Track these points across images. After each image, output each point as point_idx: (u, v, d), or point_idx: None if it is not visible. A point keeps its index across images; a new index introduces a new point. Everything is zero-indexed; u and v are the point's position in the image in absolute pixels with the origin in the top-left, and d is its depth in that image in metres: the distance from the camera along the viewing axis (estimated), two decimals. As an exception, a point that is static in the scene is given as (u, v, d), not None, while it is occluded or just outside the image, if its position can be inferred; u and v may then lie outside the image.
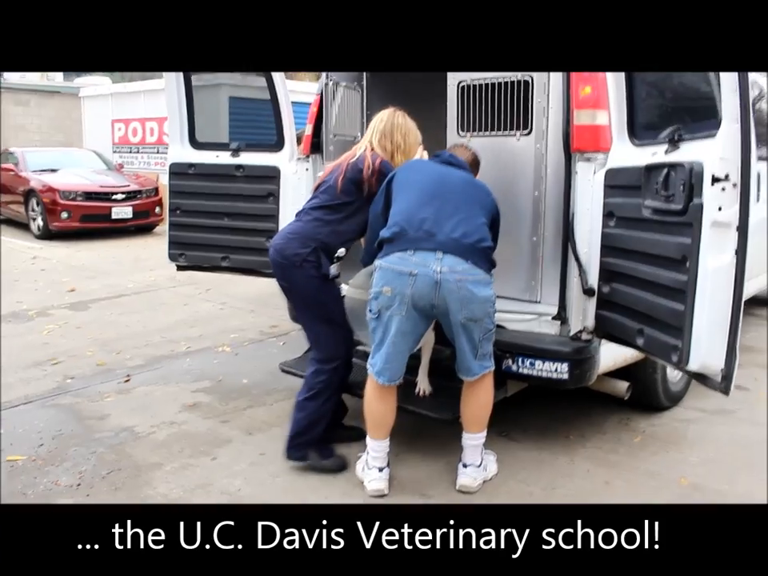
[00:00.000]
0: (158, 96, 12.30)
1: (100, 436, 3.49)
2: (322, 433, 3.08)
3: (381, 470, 2.87)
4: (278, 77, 3.98)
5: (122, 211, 10.20)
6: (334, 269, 3.07)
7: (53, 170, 10.54)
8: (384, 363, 2.75)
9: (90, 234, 10.27)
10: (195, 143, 4.37)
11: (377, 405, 2.85)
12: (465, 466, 2.90)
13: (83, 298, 6.55)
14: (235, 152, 4.24)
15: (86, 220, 10.02)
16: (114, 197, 10.18)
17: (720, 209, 2.13)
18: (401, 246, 2.66)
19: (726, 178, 2.11)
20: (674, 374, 3.73)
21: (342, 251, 3.09)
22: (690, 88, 2.72)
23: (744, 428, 3.58)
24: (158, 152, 12.58)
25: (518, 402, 3.39)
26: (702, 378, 2.30)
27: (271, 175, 4.11)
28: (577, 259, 2.95)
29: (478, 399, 2.86)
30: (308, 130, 4.17)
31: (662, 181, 2.35)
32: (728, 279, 2.14)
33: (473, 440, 2.89)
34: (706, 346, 2.20)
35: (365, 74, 4.19)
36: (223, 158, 4.26)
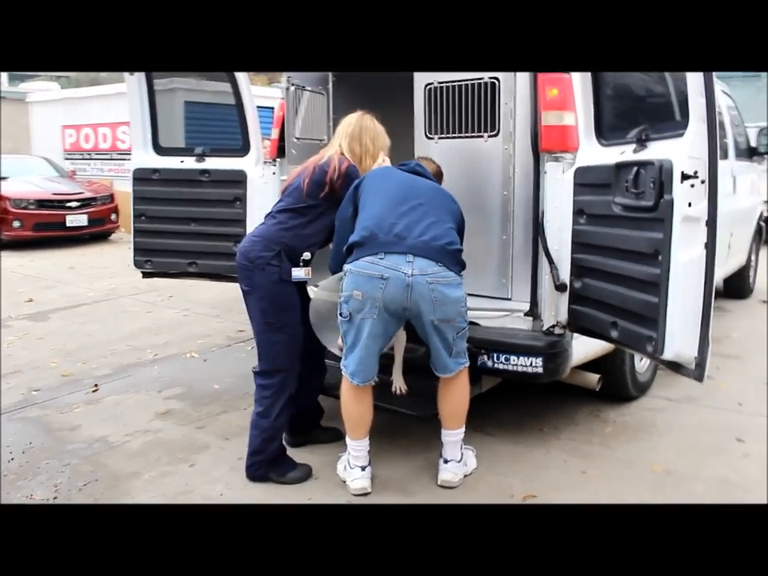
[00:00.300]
0: (110, 101, 12.11)
1: (72, 447, 3.43)
2: (278, 449, 3.03)
3: (363, 468, 2.89)
4: (242, 80, 3.97)
5: (77, 219, 9.99)
6: (301, 273, 3.03)
7: (2, 178, 10.25)
8: (357, 365, 2.78)
9: (43, 242, 10.03)
10: (159, 148, 4.33)
11: (354, 405, 2.88)
12: (446, 461, 2.94)
13: (42, 308, 6.40)
14: (200, 157, 4.22)
15: (40, 229, 9.79)
16: (68, 204, 9.98)
17: (690, 204, 2.22)
18: (371, 251, 2.68)
19: (695, 174, 2.19)
20: (641, 365, 3.85)
21: (307, 255, 3.05)
22: (655, 90, 2.81)
23: (709, 414, 3.71)
24: (111, 158, 12.34)
25: (491, 397, 3.45)
26: (675, 366, 2.39)
27: (238, 179, 4.10)
28: (548, 256, 3.02)
29: (455, 395, 2.90)
30: (274, 134, 4.17)
31: (631, 178, 2.43)
32: (699, 271, 2.23)
33: (452, 436, 2.94)
34: (680, 336, 2.28)
35: (330, 76, 4.20)
36: (188, 163, 4.22)
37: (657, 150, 2.41)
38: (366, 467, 2.91)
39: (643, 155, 2.47)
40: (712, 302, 2.25)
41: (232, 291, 7.06)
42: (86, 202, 10.17)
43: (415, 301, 2.65)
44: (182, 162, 4.23)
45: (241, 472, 3.05)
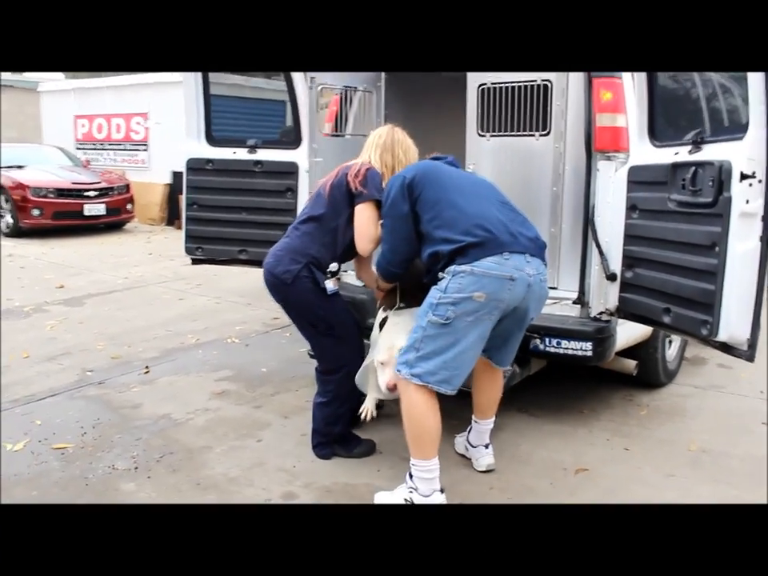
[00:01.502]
0: (123, 92, 12.26)
1: (140, 423, 3.62)
2: (344, 429, 3.20)
3: (442, 491, 2.69)
4: (297, 77, 4.17)
5: (95, 208, 10.13)
6: (330, 284, 3.01)
7: (19, 167, 10.37)
8: (455, 371, 2.57)
9: (60, 231, 10.16)
10: (211, 139, 4.51)
11: (433, 418, 2.62)
12: (486, 446, 3.07)
13: (74, 294, 6.56)
14: (252, 148, 4.41)
15: (59, 217, 9.92)
16: (87, 194, 10.10)
17: (747, 202, 2.45)
18: (494, 250, 2.55)
19: (753, 174, 2.42)
20: (670, 353, 4.09)
21: (334, 266, 3.01)
22: (707, 94, 3.04)
23: (734, 400, 3.95)
24: (124, 149, 12.48)
25: (531, 383, 3.66)
26: (727, 348, 2.62)
27: (290, 171, 4.30)
28: (599, 248, 3.24)
29: (499, 385, 3.02)
30: (327, 128, 4.37)
31: (689, 177, 2.65)
32: (753, 262, 2.46)
33: (491, 423, 3.07)
34: (734, 320, 2.51)
35: (383, 75, 4.40)
36: (240, 154, 4.42)
37: (713, 152, 2.63)
38: (443, 490, 2.69)
39: (699, 156, 2.69)
40: (764, 289, 2.48)
41: (260, 281, 7.30)
42: (103, 192, 10.30)
43: (528, 300, 2.64)
44: (234, 153, 4.43)
45: (308, 446, 3.25)
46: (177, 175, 11.51)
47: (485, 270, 2.53)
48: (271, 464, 3.14)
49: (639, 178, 3.02)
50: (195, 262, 4.69)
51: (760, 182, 2.42)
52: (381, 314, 3.11)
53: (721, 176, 2.50)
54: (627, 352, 3.68)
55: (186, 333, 5.30)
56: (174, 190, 11.45)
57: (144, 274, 7.50)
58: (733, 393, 4.07)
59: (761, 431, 3.52)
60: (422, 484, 2.65)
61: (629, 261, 3.08)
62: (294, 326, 3.25)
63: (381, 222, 2.91)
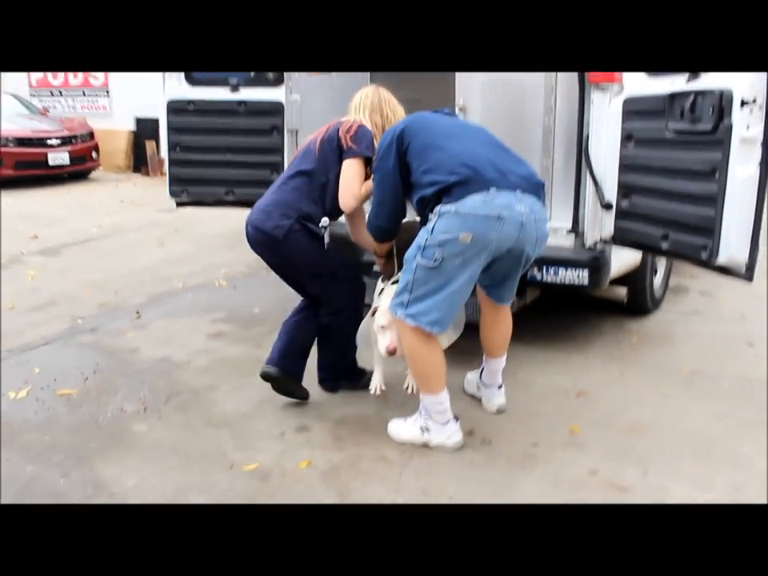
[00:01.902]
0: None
1: (140, 367, 3.62)
2: (350, 363, 3.25)
3: (456, 419, 2.77)
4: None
5: (59, 157, 9.83)
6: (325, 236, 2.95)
7: (-25, 116, 9.97)
8: (445, 312, 2.58)
9: (23, 182, 9.85)
10: (191, 79, 4.39)
11: (436, 355, 2.68)
12: (499, 387, 3.06)
13: (50, 244, 6.44)
14: (234, 87, 4.32)
15: (21, 167, 9.60)
16: (49, 142, 9.79)
17: (748, 128, 2.51)
18: (478, 187, 2.49)
19: (754, 100, 2.47)
20: (656, 281, 4.21)
21: (325, 220, 2.95)
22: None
23: (718, 325, 4.11)
24: (84, 95, 12.04)
25: (524, 314, 3.73)
26: (725, 270, 2.71)
27: (274, 109, 4.24)
28: (593, 178, 3.29)
29: (507, 323, 3.01)
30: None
31: (688, 106, 2.70)
32: (753, 186, 2.53)
33: (502, 362, 3.05)
34: (734, 244, 2.60)
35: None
36: (222, 93, 4.32)
37: (711, 80, 2.68)
38: (457, 417, 2.79)
39: (697, 85, 2.73)
40: (763, 213, 2.57)
41: (239, 223, 7.22)
42: (66, 140, 10.00)
43: (522, 240, 2.55)
44: (215, 92, 4.33)
45: (313, 381, 3.30)
46: (141, 121, 11.23)
47: (470, 210, 2.47)
48: (279, 400, 3.18)
49: (634, 108, 3.05)
50: (180, 205, 4.61)
51: (761, 108, 2.48)
52: (380, 284, 3.11)
53: (722, 103, 2.55)
54: (618, 281, 3.79)
55: (171, 277, 5.27)
56: (138, 137, 11.18)
57: (118, 222, 7.38)
58: (715, 318, 4.23)
59: (746, 352, 3.69)
60: (436, 415, 2.72)
61: (625, 190, 3.14)
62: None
63: (371, 177, 2.88)
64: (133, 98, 10.77)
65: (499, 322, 2.98)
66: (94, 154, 10.31)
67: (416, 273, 2.55)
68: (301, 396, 3.15)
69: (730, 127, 2.53)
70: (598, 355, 3.64)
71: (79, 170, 10.27)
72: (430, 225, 2.55)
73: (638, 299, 4.04)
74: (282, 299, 3.58)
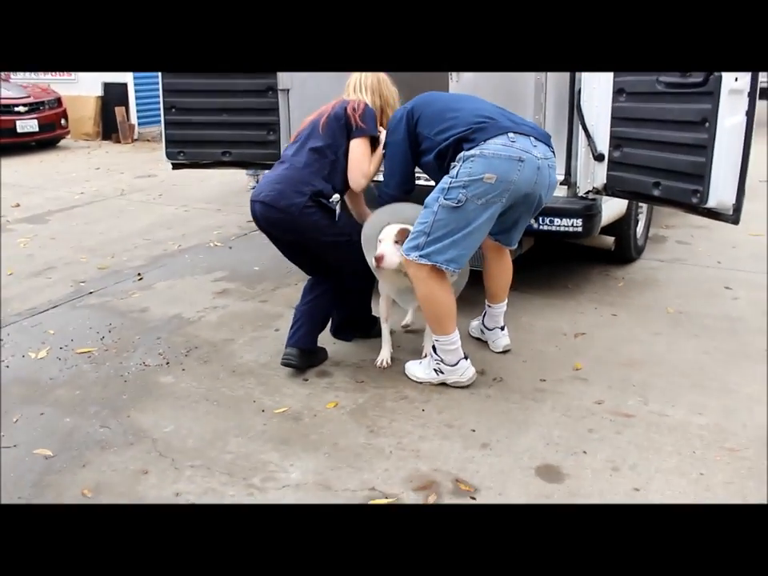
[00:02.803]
0: None
1: (154, 325, 3.73)
2: (364, 313, 3.42)
3: (467, 357, 2.92)
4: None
5: (28, 125, 9.63)
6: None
7: (-64, 83, 9.72)
8: (462, 250, 2.71)
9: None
10: (184, 42, 4.43)
11: (448, 295, 2.82)
12: (502, 329, 3.26)
13: (34, 212, 6.42)
14: (228, 50, 4.36)
15: (-12, 135, 9.42)
16: (17, 109, 9.58)
17: (736, 79, 2.70)
18: (496, 132, 2.65)
19: (743, 52, 2.66)
20: (639, 230, 4.45)
21: (336, 197, 3.00)
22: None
23: (696, 270, 4.37)
24: (48, 59, 11.72)
25: (516, 264, 3.91)
26: (714, 214, 2.94)
27: (270, 70, 4.30)
28: (585, 130, 3.47)
29: (509, 267, 3.22)
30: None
31: (680, 58, 2.88)
32: (740, 134, 2.74)
33: (504, 306, 3.25)
34: (722, 188, 2.82)
35: None
36: (216, 55, 4.37)
37: (701, 34, 2.86)
38: (467, 356, 2.93)
39: (688, 38, 2.90)
40: (749, 159, 2.78)
41: (223, 186, 7.30)
42: (34, 107, 9.79)
43: (539, 185, 2.72)
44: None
45: (326, 331, 3.44)
46: (109, 87, 11.04)
47: (493, 152, 2.61)
48: (297, 349, 3.34)
49: (627, 63, 3.23)
50: (176, 167, 4.66)
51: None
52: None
53: (712, 56, 2.73)
54: (606, 230, 4.00)
55: (165, 240, 5.35)
56: (107, 103, 11.00)
57: (99, 189, 7.36)
58: (694, 264, 4.49)
59: (724, 294, 3.95)
60: (447, 355, 2.87)
61: (617, 141, 3.33)
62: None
63: (383, 152, 3.02)
64: (99, 62, 10.56)
65: (504, 266, 3.21)
66: (62, 121, 10.13)
67: (437, 214, 2.67)
68: (323, 359, 3.25)
69: (720, 79, 2.72)
70: (590, 300, 3.87)
71: (48, 137, 10.09)
72: (453, 170, 2.68)
73: (623, 247, 4.27)
74: (279, 257, 3.65)
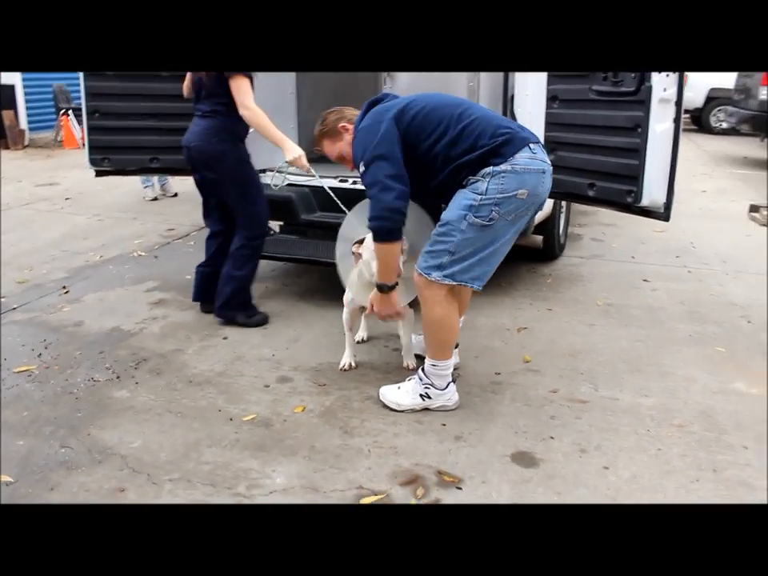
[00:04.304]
0: None
1: (92, 339, 3.59)
2: (249, 295, 3.72)
3: (454, 381, 2.85)
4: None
5: None
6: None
7: None
8: (488, 267, 2.63)
9: None
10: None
11: (457, 322, 2.78)
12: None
13: (-71, 223, 5.99)
14: (154, 54, 4.27)
15: None
16: None
17: (665, 89, 2.96)
18: (520, 145, 2.53)
19: (670, 66, 2.92)
20: (561, 229, 4.72)
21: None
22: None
23: (615, 265, 4.70)
24: None
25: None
26: (646, 212, 3.19)
27: (198, 75, 4.23)
28: (520, 136, 3.66)
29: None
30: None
31: (611, 72, 3.11)
32: (669, 139, 3.01)
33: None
34: (654, 188, 3.07)
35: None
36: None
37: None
38: (455, 379, 2.85)
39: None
40: (677, 162, 3.05)
41: (134, 194, 7.06)
42: None
43: (548, 191, 2.67)
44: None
45: (277, 336, 3.47)
46: (-6, 88, 10.39)
47: (524, 166, 2.50)
48: (249, 356, 3.33)
49: (559, 73, 3.44)
50: (100, 174, 4.51)
51: (675, 72, 2.93)
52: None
53: (643, 68, 2.97)
54: (536, 230, 4.23)
55: (84, 251, 5.15)
56: (-7, 106, 10.36)
57: (-2, 198, 6.94)
58: (611, 260, 4.82)
59: (644, 285, 4.27)
60: (439, 380, 2.76)
61: (552, 145, 3.52)
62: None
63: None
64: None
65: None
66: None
67: (465, 233, 2.53)
68: (260, 321, 3.72)
69: (651, 89, 2.97)
70: (524, 296, 4.08)
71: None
72: (480, 186, 2.52)
73: (549, 246, 4.53)
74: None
